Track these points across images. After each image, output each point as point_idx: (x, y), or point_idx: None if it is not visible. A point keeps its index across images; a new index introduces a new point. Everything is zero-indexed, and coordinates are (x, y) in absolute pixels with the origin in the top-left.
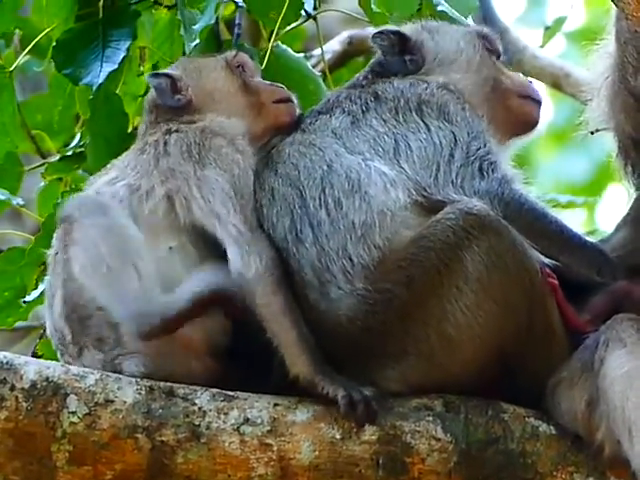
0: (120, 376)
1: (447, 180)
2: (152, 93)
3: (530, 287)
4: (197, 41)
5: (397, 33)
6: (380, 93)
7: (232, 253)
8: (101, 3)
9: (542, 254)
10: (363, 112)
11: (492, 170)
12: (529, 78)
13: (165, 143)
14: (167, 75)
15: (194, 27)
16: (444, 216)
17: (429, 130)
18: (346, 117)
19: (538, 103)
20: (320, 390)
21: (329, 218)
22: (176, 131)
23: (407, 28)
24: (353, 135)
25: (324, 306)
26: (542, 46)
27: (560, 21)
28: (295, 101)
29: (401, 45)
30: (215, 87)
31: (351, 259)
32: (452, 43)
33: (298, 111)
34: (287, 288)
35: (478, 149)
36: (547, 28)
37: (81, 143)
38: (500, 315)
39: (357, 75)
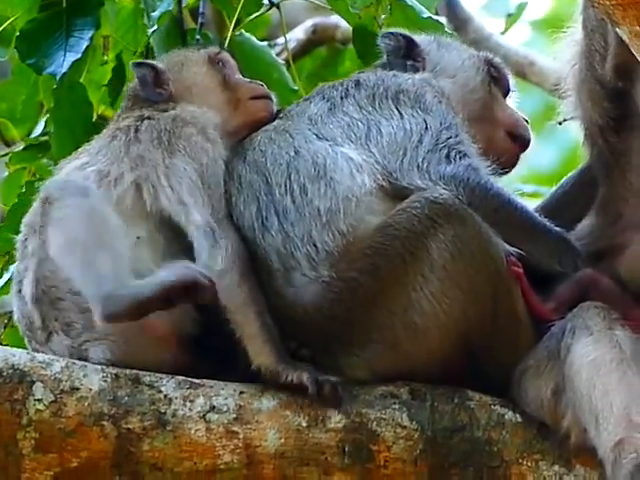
0: (86, 364)
1: (412, 165)
2: (134, 82)
3: (495, 275)
4: (155, 27)
5: (406, 37)
6: (362, 80)
7: (198, 245)
8: None
9: (506, 242)
10: (342, 98)
11: (459, 157)
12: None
13: (136, 130)
14: (152, 66)
15: (153, 14)
16: (409, 204)
17: (402, 117)
18: (325, 103)
19: (525, 145)
20: (284, 379)
21: (294, 205)
22: (148, 118)
23: (418, 37)
24: (328, 121)
25: (290, 293)
26: (504, 33)
27: (521, 7)
28: (273, 99)
29: (407, 50)
30: (195, 80)
31: (315, 245)
32: (456, 59)
33: (275, 109)
34: (252, 279)
35: (449, 138)
36: (509, 15)
37: (45, 132)
38: (465, 302)
39: None
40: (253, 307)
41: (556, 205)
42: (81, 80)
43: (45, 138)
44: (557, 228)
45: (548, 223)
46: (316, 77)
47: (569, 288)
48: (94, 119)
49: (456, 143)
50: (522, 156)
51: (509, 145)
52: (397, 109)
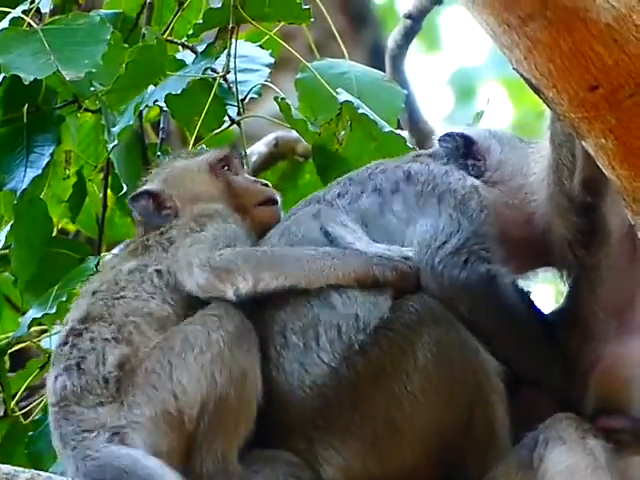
0: (51, 475)
1: (428, 265)
2: (136, 215)
3: (475, 387)
4: (116, 142)
5: (463, 136)
6: (413, 173)
7: None
8: (25, 108)
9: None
10: (392, 193)
11: (478, 263)
12: None
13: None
14: (147, 193)
15: (113, 129)
16: (406, 301)
17: (440, 215)
18: (376, 198)
19: None
20: None
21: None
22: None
23: (473, 131)
24: (378, 224)
25: (294, 370)
26: None
27: (478, 116)
28: (279, 201)
29: (466, 148)
30: (200, 192)
31: (340, 333)
32: (519, 160)
33: (281, 213)
34: None
35: (474, 244)
36: (468, 125)
37: (5, 246)
38: (442, 408)
39: None
40: None
41: None
42: (42, 195)
43: (5, 252)
44: (559, 358)
45: (556, 349)
46: (276, 189)
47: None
48: (54, 234)
49: (480, 249)
50: None
51: None
52: (439, 207)
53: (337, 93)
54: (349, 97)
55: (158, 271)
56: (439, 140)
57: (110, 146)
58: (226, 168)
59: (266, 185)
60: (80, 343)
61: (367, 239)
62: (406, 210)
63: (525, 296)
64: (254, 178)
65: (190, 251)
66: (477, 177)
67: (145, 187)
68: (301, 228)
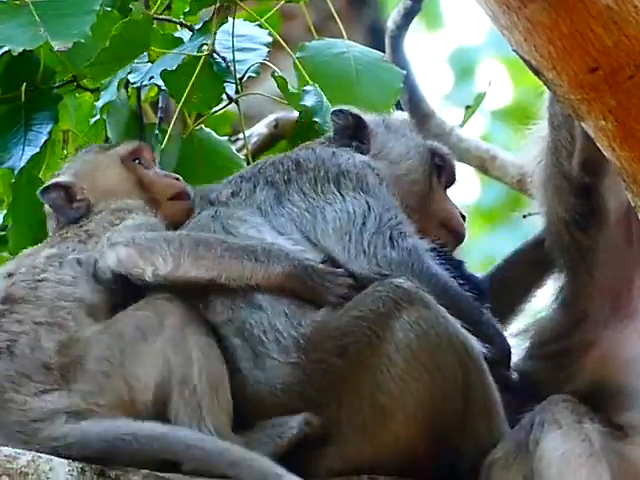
0: (52, 457)
1: (359, 250)
2: (47, 207)
3: (465, 356)
4: (98, 117)
5: (357, 117)
6: (302, 161)
7: None
8: (23, 87)
9: None
10: (285, 183)
11: (402, 239)
12: (462, 211)
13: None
14: (58, 185)
15: (96, 104)
16: (374, 288)
17: (344, 199)
18: (269, 190)
19: (457, 239)
20: None
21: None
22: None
23: (369, 116)
24: (279, 213)
25: (259, 377)
26: (462, 125)
27: (480, 98)
28: (191, 194)
29: (355, 129)
30: (110, 184)
31: (281, 333)
32: (402, 146)
33: (193, 204)
34: None
35: (390, 219)
36: (467, 107)
37: (3, 226)
38: (432, 383)
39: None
40: None
41: (499, 282)
42: (40, 175)
43: (3, 233)
44: (493, 322)
45: (486, 315)
46: None
47: None
48: None
49: (397, 224)
50: (458, 249)
51: (443, 236)
52: (339, 192)
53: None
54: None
55: (77, 259)
56: (332, 112)
57: (92, 120)
58: (137, 161)
59: (177, 179)
60: (6, 325)
61: (273, 232)
62: (304, 199)
63: (447, 262)
64: (165, 172)
65: (111, 235)
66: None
67: (56, 179)
68: (204, 230)
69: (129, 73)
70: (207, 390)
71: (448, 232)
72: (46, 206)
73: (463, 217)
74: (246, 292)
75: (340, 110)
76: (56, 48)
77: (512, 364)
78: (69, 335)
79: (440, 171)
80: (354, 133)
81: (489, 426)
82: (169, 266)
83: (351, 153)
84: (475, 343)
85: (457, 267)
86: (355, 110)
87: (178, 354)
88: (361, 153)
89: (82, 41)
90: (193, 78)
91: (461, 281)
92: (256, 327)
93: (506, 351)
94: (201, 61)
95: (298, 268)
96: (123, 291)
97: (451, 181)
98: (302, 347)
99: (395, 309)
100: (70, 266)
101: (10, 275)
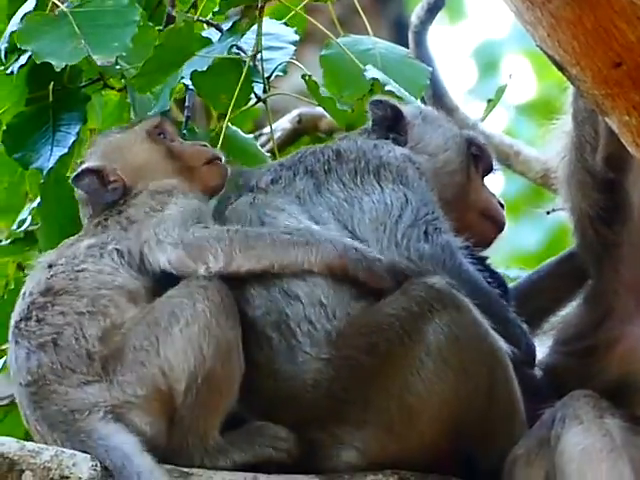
0: (75, 452)
1: (391, 241)
2: (81, 194)
3: (492, 362)
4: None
5: (395, 108)
6: (343, 152)
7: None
8: (51, 87)
9: None
10: (325, 173)
11: (436, 235)
12: (500, 200)
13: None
14: (89, 170)
15: (149, 114)
16: (408, 286)
17: (383, 191)
18: (309, 179)
19: (498, 228)
20: None
21: (301, 289)
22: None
23: (406, 107)
24: (317, 202)
25: (290, 370)
26: (483, 119)
27: (501, 91)
28: (223, 158)
29: (393, 120)
30: (142, 160)
31: (315, 325)
32: (440, 137)
33: (229, 170)
34: None
35: (426, 214)
36: (489, 100)
37: (31, 224)
38: (459, 386)
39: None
40: None
41: (528, 291)
42: (67, 174)
43: (31, 230)
44: (519, 321)
45: (512, 313)
46: None
47: None
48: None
49: (433, 219)
50: (499, 238)
51: (483, 226)
52: (378, 184)
53: (365, 70)
54: (377, 73)
55: (118, 250)
56: (371, 102)
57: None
58: (162, 136)
59: (205, 145)
60: (49, 317)
61: (310, 222)
62: (343, 189)
63: (476, 261)
64: (191, 142)
65: (159, 230)
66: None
67: (85, 165)
68: (240, 218)
69: (179, 80)
70: (219, 385)
71: (488, 221)
72: (79, 194)
73: (502, 205)
74: (283, 282)
75: (379, 100)
76: (99, 63)
77: (537, 362)
78: (112, 322)
79: (477, 161)
80: (392, 124)
81: (509, 428)
82: (221, 263)
83: (392, 146)
84: (503, 346)
85: (483, 264)
86: (393, 101)
87: (211, 344)
88: (398, 145)
89: (124, 54)
90: (223, 79)
91: (489, 279)
92: (292, 319)
93: (531, 350)
94: (242, 65)
95: (348, 249)
96: (166, 278)
97: (488, 170)
98: (333, 342)
99: (428, 311)
100: (110, 256)
101: (50, 266)
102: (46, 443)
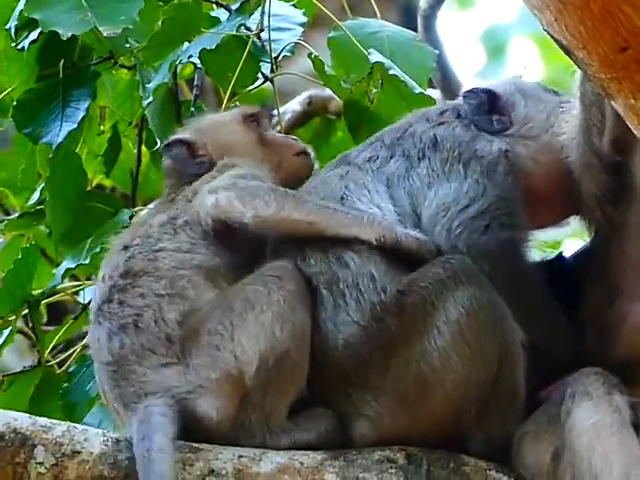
0: (87, 428)
1: (445, 226)
2: (168, 161)
3: (504, 346)
4: (151, 99)
5: (489, 92)
6: (439, 140)
7: None
8: (61, 63)
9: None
10: (419, 159)
11: (499, 229)
12: None
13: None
14: (181, 141)
15: (149, 85)
16: (439, 259)
17: (464, 180)
18: (403, 162)
19: None
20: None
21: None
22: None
23: (499, 86)
24: (401, 185)
25: (328, 327)
26: None
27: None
28: (312, 153)
29: (490, 104)
30: (233, 140)
31: (363, 294)
32: (544, 114)
33: (316, 165)
34: None
35: (498, 209)
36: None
37: (41, 200)
38: (471, 363)
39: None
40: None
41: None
42: (77, 150)
43: (40, 206)
44: (567, 326)
45: (561, 320)
46: (310, 146)
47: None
48: (89, 189)
49: (503, 214)
50: None
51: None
52: (465, 173)
53: (369, 53)
54: (381, 58)
55: (186, 221)
56: (464, 97)
57: (145, 102)
58: (256, 123)
59: (296, 140)
60: (129, 299)
61: (387, 203)
62: (430, 174)
63: (540, 265)
64: (284, 134)
65: (212, 182)
66: (503, 131)
67: (179, 135)
68: (326, 188)
69: (180, 55)
70: (290, 370)
71: None
72: (166, 162)
73: None
74: (337, 249)
75: (470, 91)
76: (105, 34)
77: None
78: (190, 304)
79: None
80: (491, 107)
81: (503, 419)
82: (272, 209)
83: (490, 139)
84: (518, 338)
85: (559, 265)
86: (484, 84)
87: (285, 329)
88: (504, 129)
89: (130, 27)
90: (231, 58)
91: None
92: (342, 281)
93: (566, 363)
94: (248, 44)
95: (389, 229)
96: (240, 252)
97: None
98: (377, 313)
99: (453, 281)
100: (183, 231)
101: (126, 248)
102: (122, 421)
